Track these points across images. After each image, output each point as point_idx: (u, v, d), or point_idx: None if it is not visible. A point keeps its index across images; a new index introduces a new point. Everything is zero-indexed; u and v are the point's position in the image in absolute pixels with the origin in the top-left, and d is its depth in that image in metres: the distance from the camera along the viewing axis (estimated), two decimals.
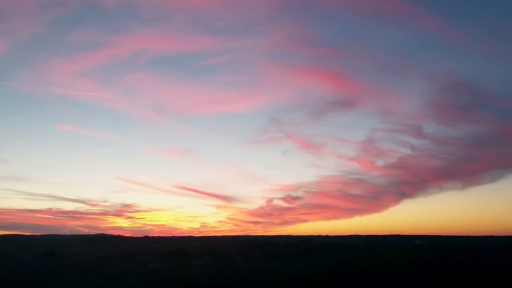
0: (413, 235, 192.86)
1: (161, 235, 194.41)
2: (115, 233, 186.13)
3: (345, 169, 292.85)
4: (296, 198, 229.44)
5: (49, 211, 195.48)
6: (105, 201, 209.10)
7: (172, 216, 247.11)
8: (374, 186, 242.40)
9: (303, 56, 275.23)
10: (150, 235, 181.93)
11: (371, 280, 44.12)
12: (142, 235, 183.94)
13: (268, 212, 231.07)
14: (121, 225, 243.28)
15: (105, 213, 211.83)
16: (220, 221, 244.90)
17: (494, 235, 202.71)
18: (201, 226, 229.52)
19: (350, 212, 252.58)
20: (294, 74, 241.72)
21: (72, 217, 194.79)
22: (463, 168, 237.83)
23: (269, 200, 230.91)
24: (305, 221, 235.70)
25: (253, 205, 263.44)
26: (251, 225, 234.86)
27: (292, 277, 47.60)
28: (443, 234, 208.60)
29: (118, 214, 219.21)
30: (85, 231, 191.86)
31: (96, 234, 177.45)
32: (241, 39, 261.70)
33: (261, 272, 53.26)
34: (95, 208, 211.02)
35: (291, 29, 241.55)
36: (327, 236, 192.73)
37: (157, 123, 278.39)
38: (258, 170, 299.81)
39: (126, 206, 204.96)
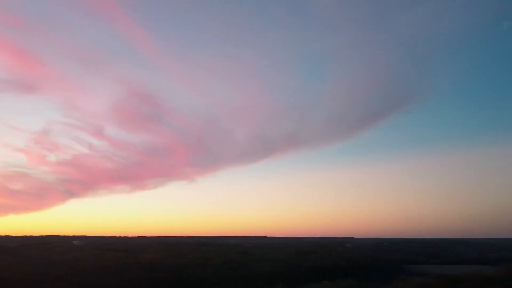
0: (74, 236, 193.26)
1: None
2: None
3: (8, 160, 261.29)
4: None
5: None
6: None
7: None
8: (41, 182, 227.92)
9: None
10: None
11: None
12: None
13: None
14: None
15: None
16: None
17: (147, 235, 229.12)
18: None
19: (6, 209, 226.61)
20: None
21: None
22: (133, 173, 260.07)
23: None
24: None
25: None
26: None
27: None
28: (105, 235, 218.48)
29: None
30: None
31: None
32: None
33: None
34: None
35: None
36: None
37: None
38: None
39: None
